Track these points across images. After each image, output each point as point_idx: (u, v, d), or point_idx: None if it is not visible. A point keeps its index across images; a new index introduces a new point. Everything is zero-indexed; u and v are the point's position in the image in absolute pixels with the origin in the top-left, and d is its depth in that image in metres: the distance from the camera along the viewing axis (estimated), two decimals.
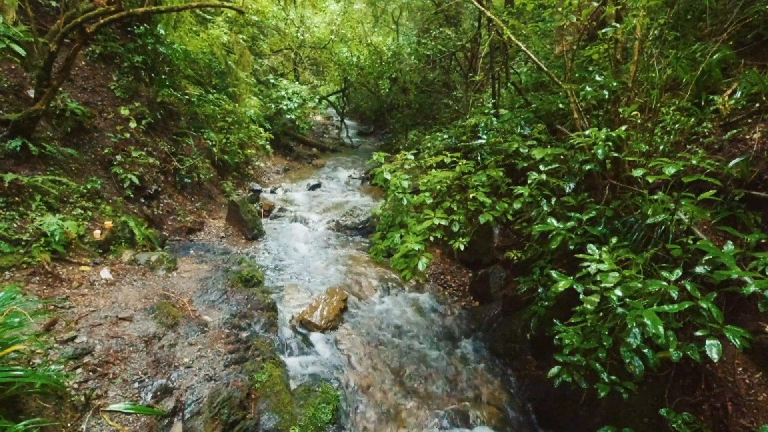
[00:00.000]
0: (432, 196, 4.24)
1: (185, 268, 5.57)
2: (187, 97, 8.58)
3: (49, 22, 6.59)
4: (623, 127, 3.41)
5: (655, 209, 3.02)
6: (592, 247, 2.97)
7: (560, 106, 5.20)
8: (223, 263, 5.95)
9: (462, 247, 4.02)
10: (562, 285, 2.86)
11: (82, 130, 6.13)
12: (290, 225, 8.42)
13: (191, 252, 6.36)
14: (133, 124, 6.93)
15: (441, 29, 12.07)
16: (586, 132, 3.43)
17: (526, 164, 4.25)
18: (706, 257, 2.64)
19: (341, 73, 15.32)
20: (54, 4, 6.91)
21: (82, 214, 5.26)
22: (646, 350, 2.56)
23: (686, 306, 2.36)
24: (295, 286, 6.03)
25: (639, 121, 3.83)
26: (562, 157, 3.99)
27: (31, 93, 5.54)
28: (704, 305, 2.36)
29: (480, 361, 4.90)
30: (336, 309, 5.33)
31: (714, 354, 2.24)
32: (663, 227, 3.10)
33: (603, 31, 3.86)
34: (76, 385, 3.17)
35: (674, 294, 2.43)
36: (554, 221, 3.53)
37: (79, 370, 3.30)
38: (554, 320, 3.19)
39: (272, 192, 10.33)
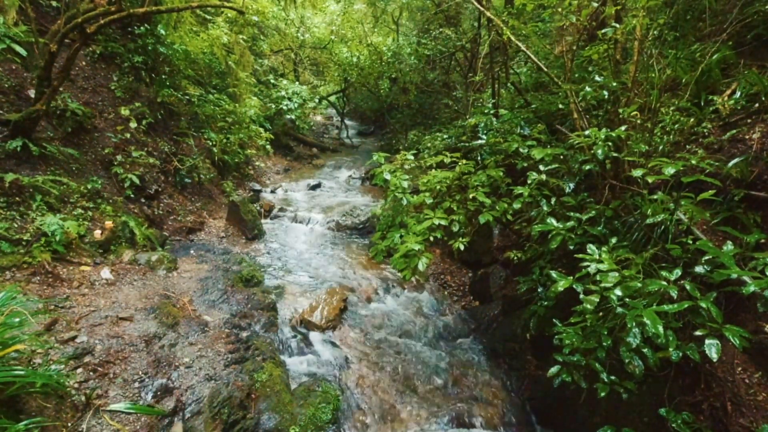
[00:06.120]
0: (432, 196, 4.24)
1: (185, 268, 5.57)
2: (187, 97, 8.59)
3: (50, 22, 6.60)
4: (623, 127, 3.41)
5: (654, 209, 3.03)
6: (591, 247, 2.97)
7: (560, 106, 5.20)
8: (224, 263, 5.95)
9: (462, 247, 4.02)
10: (561, 285, 2.87)
11: (82, 130, 6.14)
12: (290, 225, 8.43)
13: (191, 252, 6.36)
14: (133, 125, 6.94)
15: (441, 29, 12.08)
16: (586, 132, 3.43)
17: (525, 164, 4.25)
18: (706, 257, 2.65)
19: (341, 74, 15.33)
20: (54, 4, 6.92)
21: (83, 214, 5.27)
22: (645, 350, 2.57)
23: (686, 306, 2.37)
24: (295, 285, 6.04)
25: (639, 121, 3.83)
26: (561, 157, 4.00)
27: (32, 93, 5.55)
28: (704, 305, 2.37)
29: (480, 361, 4.91)
30: (336, 309, 5.33)
31: (713, 354, 2.25)
32: (662, 227, 3.11)
33: (603, 31, 3.87)
34: (76, 385, 3.17)
35: (674, 294, 2.44)
36: (554, 221, 3.54)
37: (79, 370, 3.30)
38: (554, 320, 3.19)
39: (272, 192, 10.34)
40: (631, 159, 3.46)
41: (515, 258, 4.59)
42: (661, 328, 2.24)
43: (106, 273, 4.78)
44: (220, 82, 10.22)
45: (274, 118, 12.63)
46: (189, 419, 3.30)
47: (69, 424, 2.89)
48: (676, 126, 4.03)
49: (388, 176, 4.46)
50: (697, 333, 2.40)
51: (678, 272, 2.61)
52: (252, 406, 3.59)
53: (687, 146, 4.01)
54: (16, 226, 4.52)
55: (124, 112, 6.86)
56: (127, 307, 4.29)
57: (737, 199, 3.33)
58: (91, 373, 3.31)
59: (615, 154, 3.43)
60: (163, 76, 8.04)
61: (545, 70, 4.60)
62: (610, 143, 3.32)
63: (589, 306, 2.67)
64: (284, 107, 12.33)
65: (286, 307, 5.41)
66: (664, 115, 4.15)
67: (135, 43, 7.50)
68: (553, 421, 4.07)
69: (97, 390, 3.19)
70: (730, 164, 3.30)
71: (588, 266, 2.85)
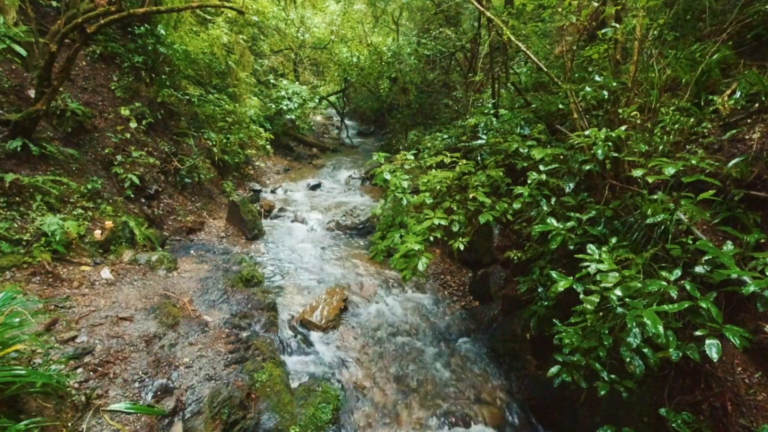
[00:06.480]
0: (432, 196, 4.24)
1: (186, 268, 5.57)
2: (187, 97, 8.58)
3: (50, 22, 6.60)
4: (623, 127, 3.41)
5: (654, 209, 3.03)
6: (591, 247, 2.97)
7: (560, 106, 5.20)
8: (224, 263, 5.95)
9: (462, 247, 4.02)
10: (561, 285, 2.87)
11: (82, 130, 6.14)
12: (290, 225, 8.42)
13: (191, 252, 6.36)
14: (133, 125, 6.94)
15: (441, 29, 12.09)
16: (586, 132, 3.43)
17: (525, 164, 4.25)
18: (706, 257, 2.65)
19: (341, 74, 15.31)
20: (54, 4, 6.91)
21: (83, 214, 5.27)
22: (645, 350, 2.57)
23: (686, 306, 2.37)
24: (295, 285, 6.04)
25: (639, 121, 3.83)
26: (561, 157, 4.00)
27: (32, 93, 5.55)
28: (704, 305, 2.37)
29: (480, 361, 4.91)
30: (336, 309, 5.33)
31: (713, 354, 2.25)
32: (662, 227, 3.11)
33: (603, 31, 3.87)
34: (76, 385, 3.17)
35: (674, 294, 2.44)
36: (554, 221, 3.54)
37: (79, 370, 3.30)
38: (554, 320, 3.19)
39: (272, 192, 10.33)
40: (631, 159, 3.46)
41: (515, 258, 4.59)
42: (661, 328, 2.24)
43: (106, 273, 4.78)
44: (220, 82, 10.22)
45: (274, 118, 12.63)
46: (189, 419, 3.30)
47: (69, 424, 2.89)
48: (676, 126, 4.03)
49: (388, 176, 4.46)
50: (697, 333, 2.40)
51: (678, 272, 2.61)
52: (252, 406, 3.59)
53: (687, 146, 4.01)
54: (16, 226, 4.52)
55: (124, 112, 6.86)
56: (127, 307, 4.28)
57: (737, 199, 3.33)
58: (91, 373, 3.31)
59: (615, 154, 3.43)
60: (163, 76, 8.03)
61: (545, 70, 4.60)
62: (610, 143, 3.32)
63: (589, 306, 2.67)
64: (284, 107, 12.32)
65: (286, 307, 5.41)
66: (664, 115, 4.15)
67: (135, 43, 7.50)
68: (553, 421, 4.07)
69: (97, 390, 3.19)
70: (730, 164, 3.30)
71: (588, 266, 2.85)
